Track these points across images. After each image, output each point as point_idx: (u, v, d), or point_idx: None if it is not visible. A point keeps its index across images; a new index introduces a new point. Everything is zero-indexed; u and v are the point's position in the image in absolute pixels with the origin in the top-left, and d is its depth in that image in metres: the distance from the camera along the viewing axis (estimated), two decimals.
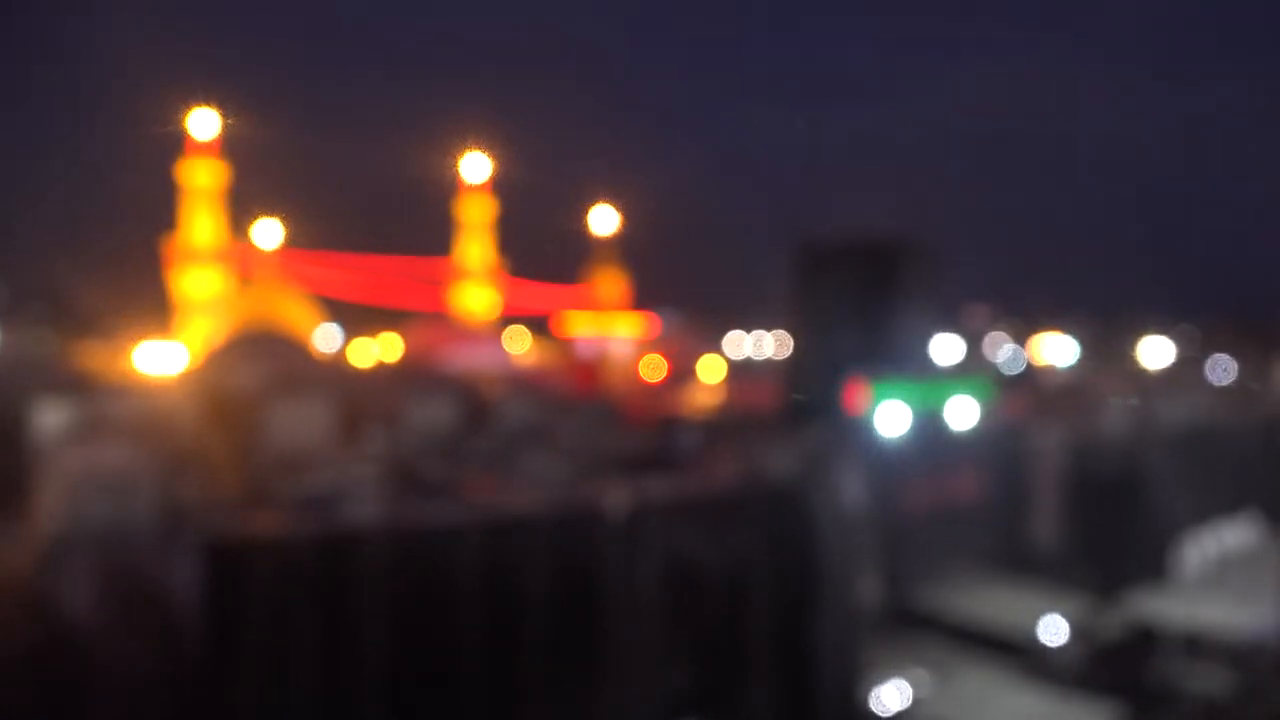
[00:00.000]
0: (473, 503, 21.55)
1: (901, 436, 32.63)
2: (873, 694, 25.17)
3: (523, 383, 49.95)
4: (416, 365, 55.61)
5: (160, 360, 57.47)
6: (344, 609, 16.42)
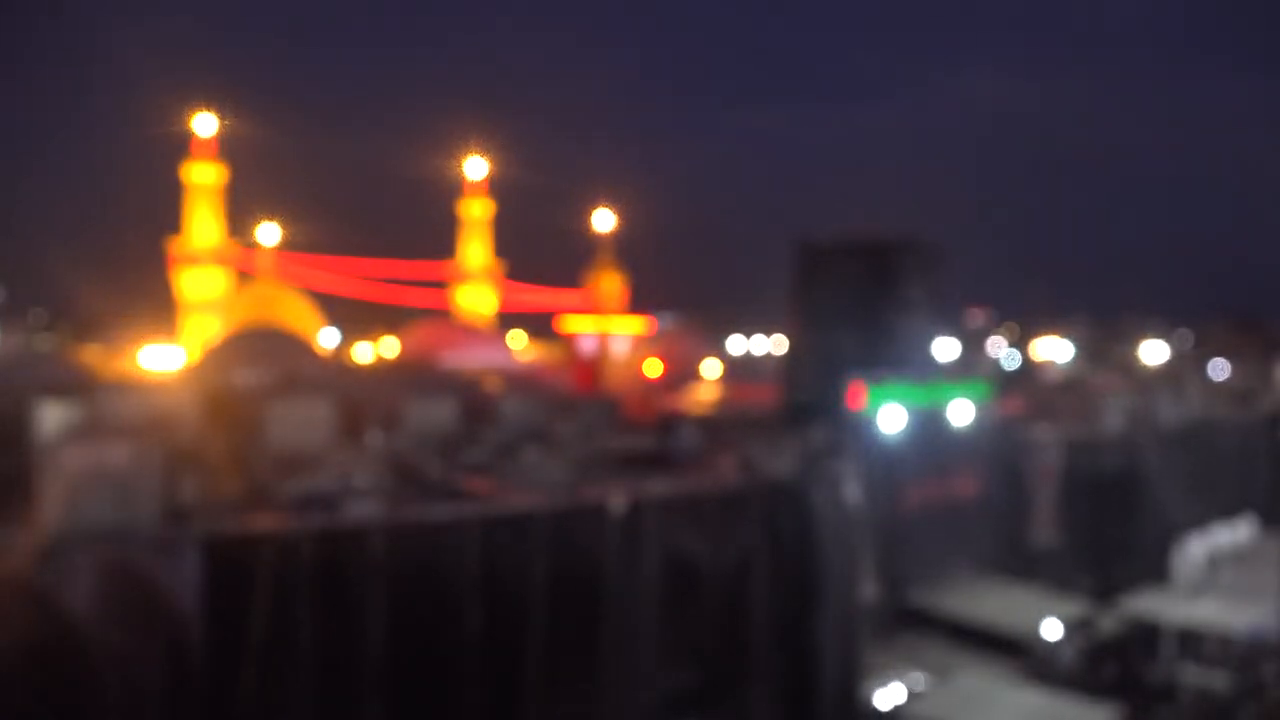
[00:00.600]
0: (473, 502, 21.56)
1: (901, 436, 32.63)
2: (872, 693, 25.17)
3: (523, 382, 49.95)
4: (417, 364, 55.60)
5: (161, 360, 57.47)
6: (344, 607, 16.44)
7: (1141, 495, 37.46)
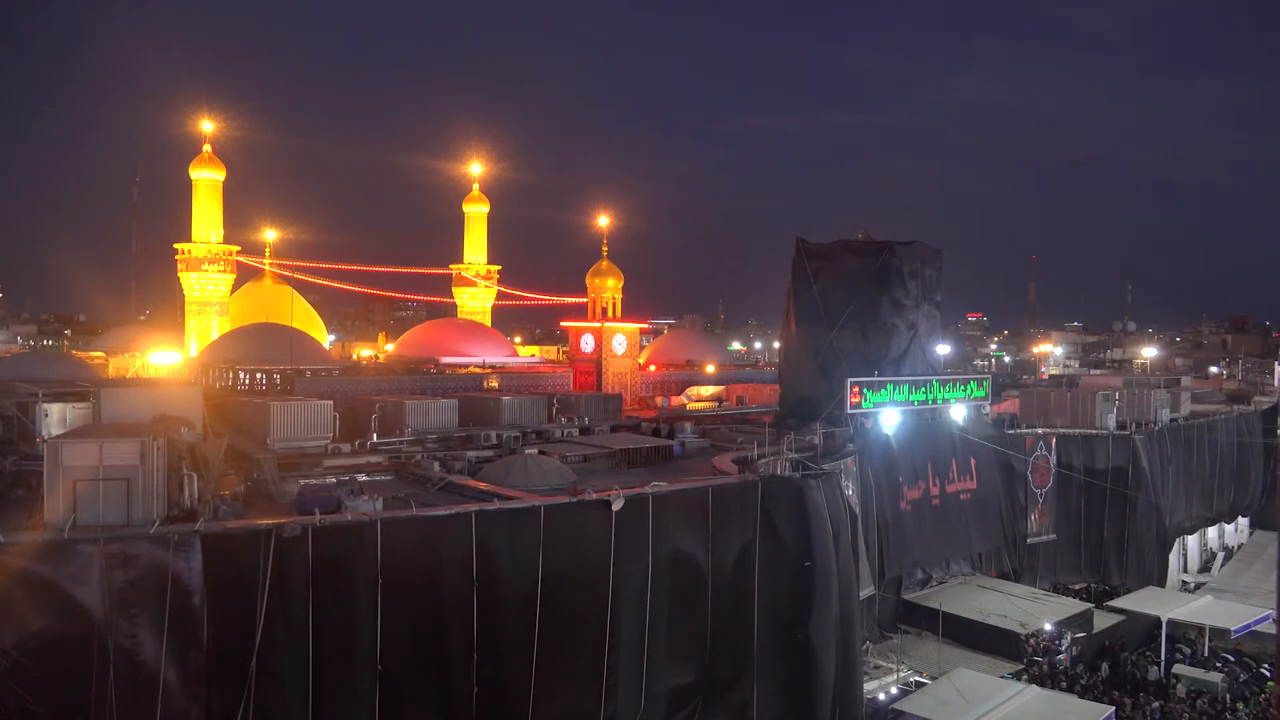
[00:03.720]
0: (473, 500, 21.76)
1: (898, 435, 32.81)
2: (870, 692, 25.35)
3: (522, 381, 50.16)
4: (417, 364, 55.81)
5: (165, 358, 57.73)
6: (344, 605, 16.62)
7: (1137, 495, 37.63)
